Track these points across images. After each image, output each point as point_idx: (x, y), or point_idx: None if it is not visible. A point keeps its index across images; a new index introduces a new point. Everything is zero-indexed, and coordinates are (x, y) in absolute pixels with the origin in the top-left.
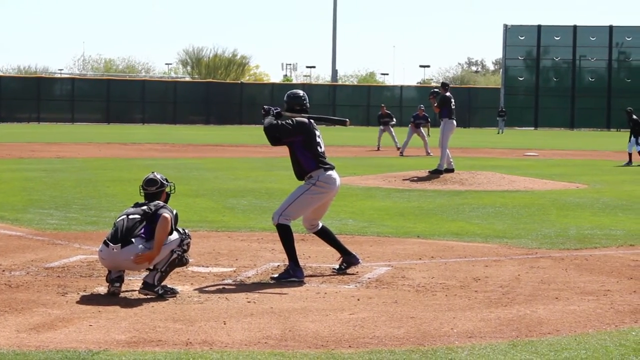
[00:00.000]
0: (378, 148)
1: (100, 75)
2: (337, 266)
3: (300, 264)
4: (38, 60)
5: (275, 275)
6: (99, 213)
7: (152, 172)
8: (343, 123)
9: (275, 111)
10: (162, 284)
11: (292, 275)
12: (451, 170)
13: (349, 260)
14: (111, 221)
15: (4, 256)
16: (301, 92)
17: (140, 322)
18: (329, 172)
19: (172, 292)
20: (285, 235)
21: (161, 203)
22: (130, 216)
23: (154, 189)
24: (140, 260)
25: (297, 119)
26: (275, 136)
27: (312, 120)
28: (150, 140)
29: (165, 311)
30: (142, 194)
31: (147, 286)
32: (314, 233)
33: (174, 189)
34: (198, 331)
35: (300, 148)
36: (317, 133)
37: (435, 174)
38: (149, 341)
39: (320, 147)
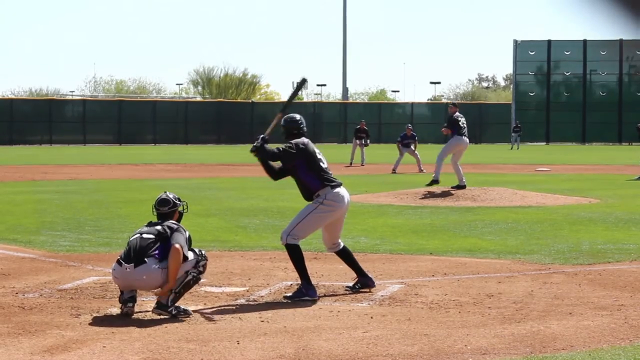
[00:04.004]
0: (350, 164)
1: (112, 96)
2: (351, 284)
3: (312, 282)
4: (49, 83)
5: (289, 294)
6: (111, 234)
7: (165, 192)
8: (302, 83)
9: (262, 137)
10: (176, 304)
11: (305, 294)
12: (463, 187)
13: (364, 282)
14: (124, 242)
15: (17, 278)
16: (298, 116)
17: (153, 342)
18: (337, 190)
19: (185, 313)
20: (295, 254)
21: (175, 224)
22: (144, 235)
23: (167, 209)
24: (160, 294)
25: (295, 141)
26: (275, 171)
27: (307, 141)
28: (161, 160)
29: (178, 331)
30: (155, 214)
31: (160, 306)
32: (335, 253)
33: (187, 208)
34: (212, 351)
35: (304, 171)
36: (317, 151)
37: (456, 189)
38: None
39: (323, 164)
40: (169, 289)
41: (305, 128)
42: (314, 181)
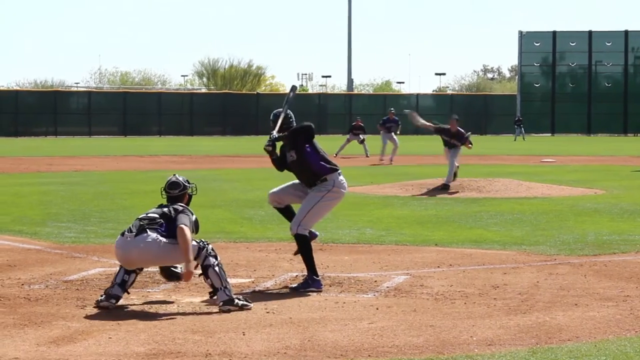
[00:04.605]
0: (336, 155)
1: (117, 88)
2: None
3: (318, 273)
4: (55, 74)
5: (294, 285)
6: (117, 226)
7: (174, 175)
8: (293, 90)
9: (274, 137)
10: (235, 296)
11: (310, 285)
12: (447, 187)
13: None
14: None
15: (23, 270)
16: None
17: (159, 334)
18: (341, 177)
19: (247, 304)
20: (304, 245)
21: (181, 206)
22: (150, 214)
23: (177, 192)
24: (185, 279)
25: (303, 124)
26: (282, 163)
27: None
28: (167, 152)
29: (184, 323)
30: (165, 197)
31: (226, 302)
32: (278, 209)
33: (196, 190)
34: (217, 342)
35: (312, 154)
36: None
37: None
38: (169, 353)
39: (325, 154)
40: (189, 270)
41: (294, 121)
42: (319, 165)
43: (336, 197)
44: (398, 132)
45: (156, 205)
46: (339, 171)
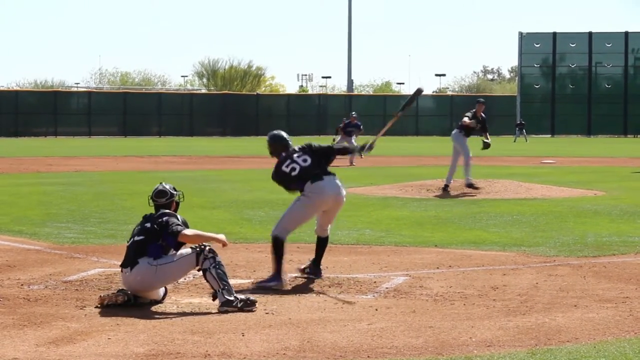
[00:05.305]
0: None
1: (117, 88)
2: (304, 266)
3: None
4: (55, 74)
5: (259, 281)
6: (116, 226)
7: (161, 183)
8: (417, 93)
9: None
10: (235, 294)
11: (271, 280)
12: (446, 188)
13: (315, 271)
14: (129, 234)
15: (23, 270)
16: (283, 134)
17: (158, 334)
18: (316, 182)
19: (251, 303)
20: (277, 247)
21: (166, 213)
22: (136, 239)
23: (164, 200)
24: (224, 244)
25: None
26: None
27: (288, 151)
28: (167, 152)
29: (183, 323)
30: (152, 205)
31: (224, 304)
32: (318, 237)
33: (183, 197)
34: (216, 343)
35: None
36: (295, 156)
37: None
38: (168, 354)
39: (295, 171)
40: (220, 239)
41: (290, 143)
42: (296, 184)
43: (312, 201)
44: (356, 137)
45: (140, 219)
46: (315, 178)
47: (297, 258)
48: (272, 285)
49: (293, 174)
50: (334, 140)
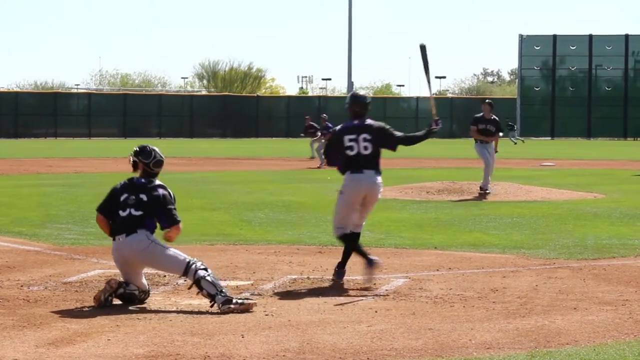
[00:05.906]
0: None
1: (117, 89)
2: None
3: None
4: (55, 76)
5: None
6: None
7: (154, 149)
8: (423, 50)
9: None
10: (224, 299)
11: (369, 266)
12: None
13: (339, 272)
14: None
15: (23, 271)
16: (365, 95)
17: (158, 336)
18: (353, 174)
19: (242, 304)
20: (347, 243)
21: (160, 186)
22: (134, 213)
23: (159, 170)
24: (171, 235)
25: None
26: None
27: (343, 127)
28: (166, 154)
29: (183, 325)
30: (143, 170)
31: (225, 302)
32: (352, 232)
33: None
34: (216, 345)
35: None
36: (352, 137)
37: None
38: (167, 355)
39: (352, 150)
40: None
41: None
42: (341, 166)
43: (347, 192)
44: (325, 139)
45: (125, 180)
46: (353, 170)
47: (296, 260)
48: (374, 269)
49: (349, 152)
50: (311, 144)
